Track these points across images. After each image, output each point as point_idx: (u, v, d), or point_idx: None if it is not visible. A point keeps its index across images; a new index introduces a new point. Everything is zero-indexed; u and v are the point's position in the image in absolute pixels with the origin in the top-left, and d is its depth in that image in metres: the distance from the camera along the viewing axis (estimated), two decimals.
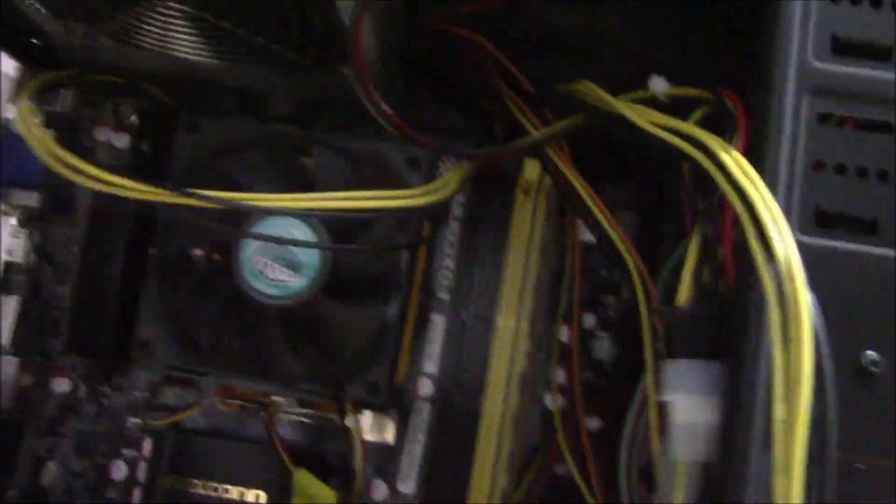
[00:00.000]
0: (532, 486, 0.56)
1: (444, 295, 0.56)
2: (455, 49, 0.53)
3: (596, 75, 0.47)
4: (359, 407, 0.53)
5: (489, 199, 0.56)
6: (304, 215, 0.47)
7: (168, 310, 0.51)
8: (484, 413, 0.58)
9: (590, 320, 0.58)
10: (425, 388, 0.59)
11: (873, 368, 0.34)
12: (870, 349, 0.34)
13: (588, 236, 0.56)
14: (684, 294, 0.38)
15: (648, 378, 0.43)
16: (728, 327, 0.36)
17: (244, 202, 0.45)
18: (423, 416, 0.59)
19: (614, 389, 0.57)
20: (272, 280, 0.49)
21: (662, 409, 0.39)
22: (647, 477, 0.47)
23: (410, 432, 0.59)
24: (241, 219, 0.48)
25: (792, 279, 0.30)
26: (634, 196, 0.59)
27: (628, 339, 0.58)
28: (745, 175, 0.34)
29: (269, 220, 0.49)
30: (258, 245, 0.49)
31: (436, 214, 0.53)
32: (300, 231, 0.49)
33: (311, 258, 0.49)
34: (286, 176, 0.51)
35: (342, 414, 0.53)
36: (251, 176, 0.50)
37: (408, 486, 0.59)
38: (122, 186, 0.45)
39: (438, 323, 0.58)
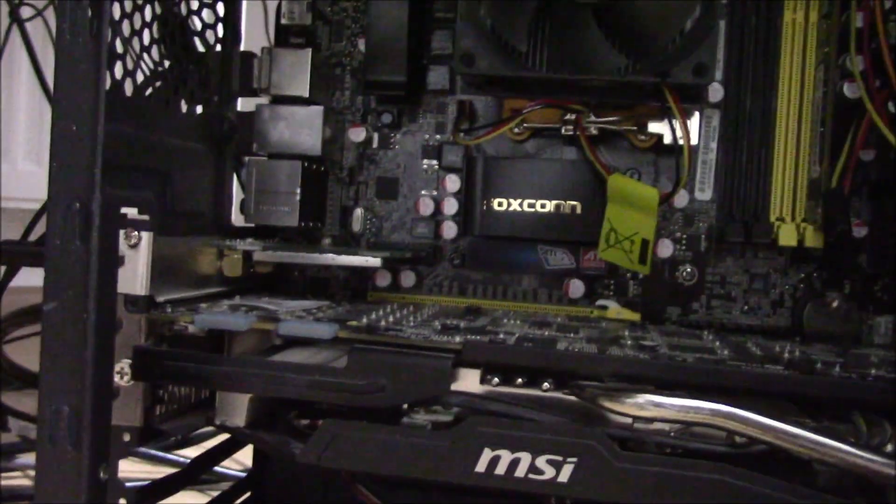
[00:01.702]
0: (843, 174, 0.55)
1: None
2: None
3: None
4: (683, 96, 0.53)
5: None
6: None
7: (483, 23, 0.51)
8: (777, 110, 0.58)
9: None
10: (715, 93, 0.59)
11: None
12: None
13: None
14: None
15: None
16: None
17: None
18: (713, 122, 0.59)
19: None
20: None
21: None
22: None
23: (704, 141, 0.59)
24: None
25: None
26: None
27: None
28: None
29: None
30: None
31: None
32: None
33: None
34: None
35: (665, 105, 0.53)
36: None
37: (706, 193, 0.60)
38: None
39: (722, 25, 0.57)
